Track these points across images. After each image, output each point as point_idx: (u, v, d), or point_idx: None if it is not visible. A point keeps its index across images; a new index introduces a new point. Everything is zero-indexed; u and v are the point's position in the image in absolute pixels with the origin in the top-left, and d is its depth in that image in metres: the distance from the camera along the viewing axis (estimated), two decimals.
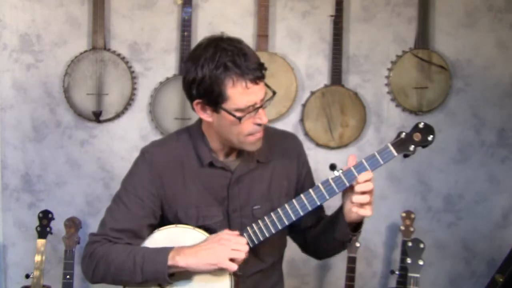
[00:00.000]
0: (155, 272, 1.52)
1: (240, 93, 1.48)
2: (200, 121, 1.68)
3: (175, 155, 1.65)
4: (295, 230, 1.77)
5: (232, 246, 1.51)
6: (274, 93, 1.57)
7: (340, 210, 1.59)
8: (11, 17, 2.97)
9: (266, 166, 1.69)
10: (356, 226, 1.60)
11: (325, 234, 1.66)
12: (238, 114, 1.50)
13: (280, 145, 1.73)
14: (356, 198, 1.49)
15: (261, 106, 1.53)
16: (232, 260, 1.51)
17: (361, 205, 1.49)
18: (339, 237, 1.60)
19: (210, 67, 1.47)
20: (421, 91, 2.96)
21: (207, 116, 1.57)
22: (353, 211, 1.51)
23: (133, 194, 1.62)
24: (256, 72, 1.49)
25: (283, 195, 1.70)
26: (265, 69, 1.54)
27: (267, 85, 1.56)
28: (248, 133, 1.55)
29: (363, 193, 1.48)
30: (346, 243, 1.63)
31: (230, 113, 1.50)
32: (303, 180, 1.74)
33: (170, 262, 1.51)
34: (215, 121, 1.57)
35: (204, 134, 1.65)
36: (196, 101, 1.55)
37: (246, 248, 1.53)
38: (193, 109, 1.58)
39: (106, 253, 1.57)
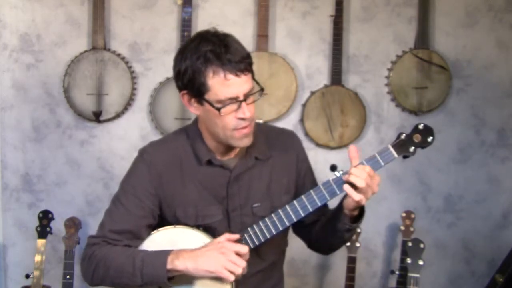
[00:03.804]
0: (155, 276, 1.52)
1: (220, 84, 1.49)
2: (197, 120, 1.69)
3: (173, 155, 1.65)
4: (300, 226, 1.76)
5: (231, 258, 1.50)
6: (262, 89, 1.57)
7: (340, 202, 1.60)
8: (11, 17, 2.98)
9: (265, 164, 1.68)
10: (356, 218, 1.60)
11: (328, 226, 1.65)
12: (218, 105, 1.50)
13: (278, 142, 1.72)
14: (350, 177, 1.49)
15: (244, 100, 1.52)
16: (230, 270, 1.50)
17: (356, 188, 1.49)
18: (339, 227, 1.60)
19: (192, 58, 1.50)
20: (421, 91, 2.96)
21: (194, 108, 1.59)
22: (345, 189, 1.50)
23: (132, 194, 1.62)
24: (237, 64, 1.49)
25: (283, 192, 1.70)
26: (251, 63, 1.53)
27: (256, 81, 1.57)
28: (233, 128, 1.54)
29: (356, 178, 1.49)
30: (346, 234, 1.61)
31: (211, 104, 1.51)
32: (303, 177, 1.74)
33: (169, 266, 1.51)
34: (202, 114, 1.58)
35: (201, 133, 1.65)
36: (182, 92, 1.57)
37: (244, 264, 1.51)
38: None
39: (105, 256, 1.57)
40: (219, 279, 1.54)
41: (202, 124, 1.64)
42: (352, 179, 1.49)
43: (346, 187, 1.50)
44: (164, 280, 1.52)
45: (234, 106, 1.51)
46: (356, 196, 1.49)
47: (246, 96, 1.52)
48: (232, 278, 1.50)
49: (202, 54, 1.49)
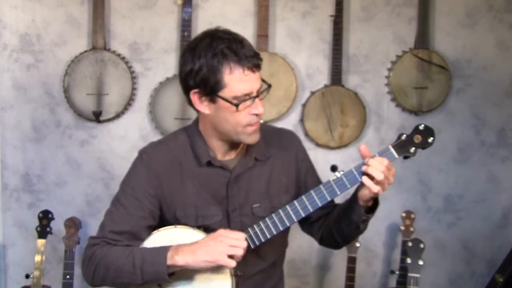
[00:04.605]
0: (155, 273, 1.52)
1: (237, 79, 1.50)
2: (197, 121, 1.68)
3: (173, 155, 1.65)
4: (307, 223, 1.76)
5: (230, 242, 1.51)
6: (269, 85, 1.59)
7: (354, 194, 1.59)
8: (11, 17, 2.98)
9: (264, 164, 1.68)
10: (370, 209, 1.60)
11: (342, 219, 1.64)
12: (235, 101, 1.51)
13: (277, 142, 1.73)
14: (368, 169, 1.49)
15: (257, 96, 1.54)
16: (230, 257, 1.50)
17: (373, 179, 1.49)
18: (355, 218, 1.59)
19: (207, 56, 1.50)
20: (421, 91, 2.96)
21: (203, 107, 1.58)
22: (363, 181, 1.50)
23: (131, 195, 1.62)
24: (253, 59, 1.51)
25: (283, 192, 1.70)
26: (261, 59, 1.55)
27: (262, 79, 1.57)
28: (246, 124, 1.55)
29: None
30: (361, 225, 1.61)
31: (227, 100, 1.51)
32: (304, 176, 1.74)
33: (169, 262, 1.51)
34: (212, 113, 1.57)
35: (201, 133, 1.65)
36: (193, 91, 1.56)
37: (244, 244, 1.52)
38: (189, 101, 1.59)
39: (105, 256, 1.57)
40: (219, 272, 1.54)
41: (206, 123, 1.63)
42: (371, 171, 1.49)
43: (365, 179, 1.50)
44: (164, 276, 1.52)
45: (248, 102, 1.52)
46: (374, 188, 1.49)
47: (259, 93, 1.54)
48: (233, 264, 1.50)
49: (219, 51, 1.49)
